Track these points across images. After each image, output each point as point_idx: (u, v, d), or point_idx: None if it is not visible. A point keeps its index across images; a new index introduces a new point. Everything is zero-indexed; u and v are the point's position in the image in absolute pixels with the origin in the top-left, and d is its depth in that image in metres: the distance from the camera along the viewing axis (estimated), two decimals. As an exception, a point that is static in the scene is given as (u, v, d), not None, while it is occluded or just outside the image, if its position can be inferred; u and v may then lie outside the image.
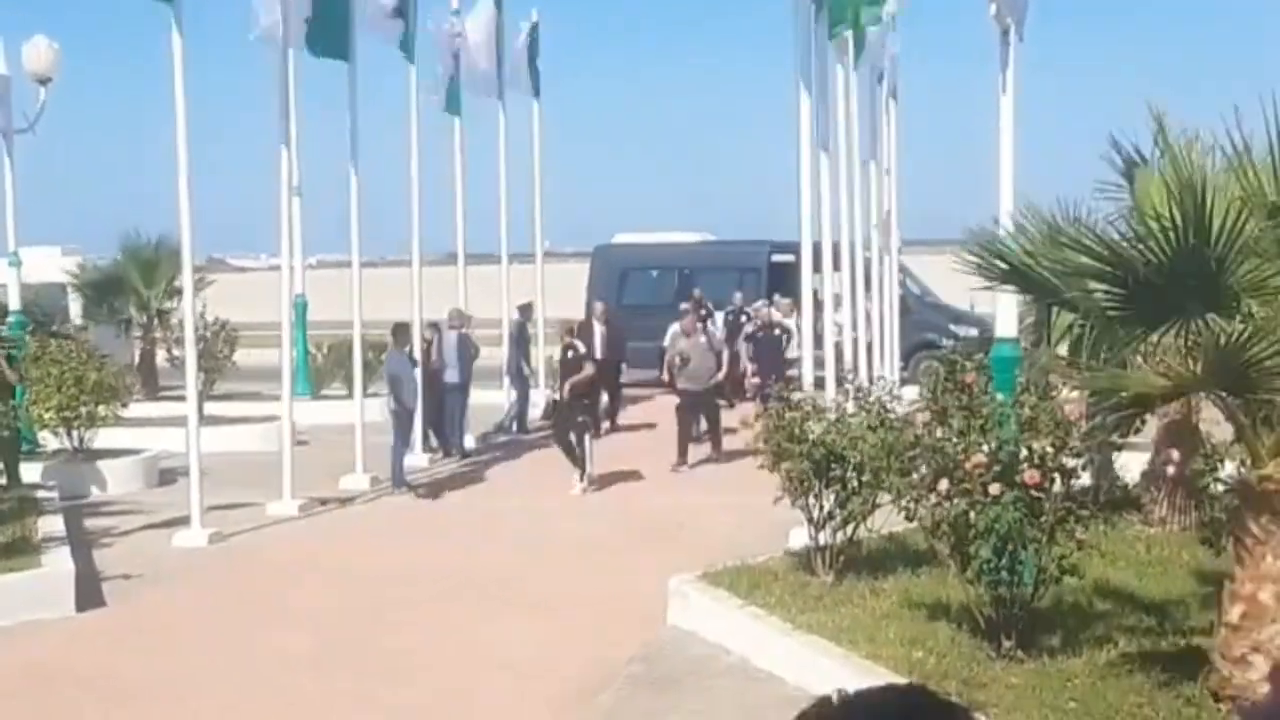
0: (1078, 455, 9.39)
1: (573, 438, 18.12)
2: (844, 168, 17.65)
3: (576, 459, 18.03)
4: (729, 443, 19.57)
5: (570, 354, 18.67)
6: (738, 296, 27.13)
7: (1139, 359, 8.45)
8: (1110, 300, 8.06)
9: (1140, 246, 7.93)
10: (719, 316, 26.00)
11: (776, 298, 24.81)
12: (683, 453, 19.58)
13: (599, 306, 24.00)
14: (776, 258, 27.28)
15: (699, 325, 20.91)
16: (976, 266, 8.51)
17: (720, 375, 20.57)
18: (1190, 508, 12.55)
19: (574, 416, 18.23)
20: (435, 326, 21.26)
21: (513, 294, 24.35)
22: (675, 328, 21.04)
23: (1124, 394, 8.70)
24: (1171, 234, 7.78)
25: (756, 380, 21.78)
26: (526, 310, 24.08)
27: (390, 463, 18.16)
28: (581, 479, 17.92)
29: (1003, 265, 8.49)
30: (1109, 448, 9.26)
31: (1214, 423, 10.65)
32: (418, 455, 19.79)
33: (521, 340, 23.71)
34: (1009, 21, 11.03)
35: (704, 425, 20.37)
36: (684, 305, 22.56)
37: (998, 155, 11.02)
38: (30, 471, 17.41)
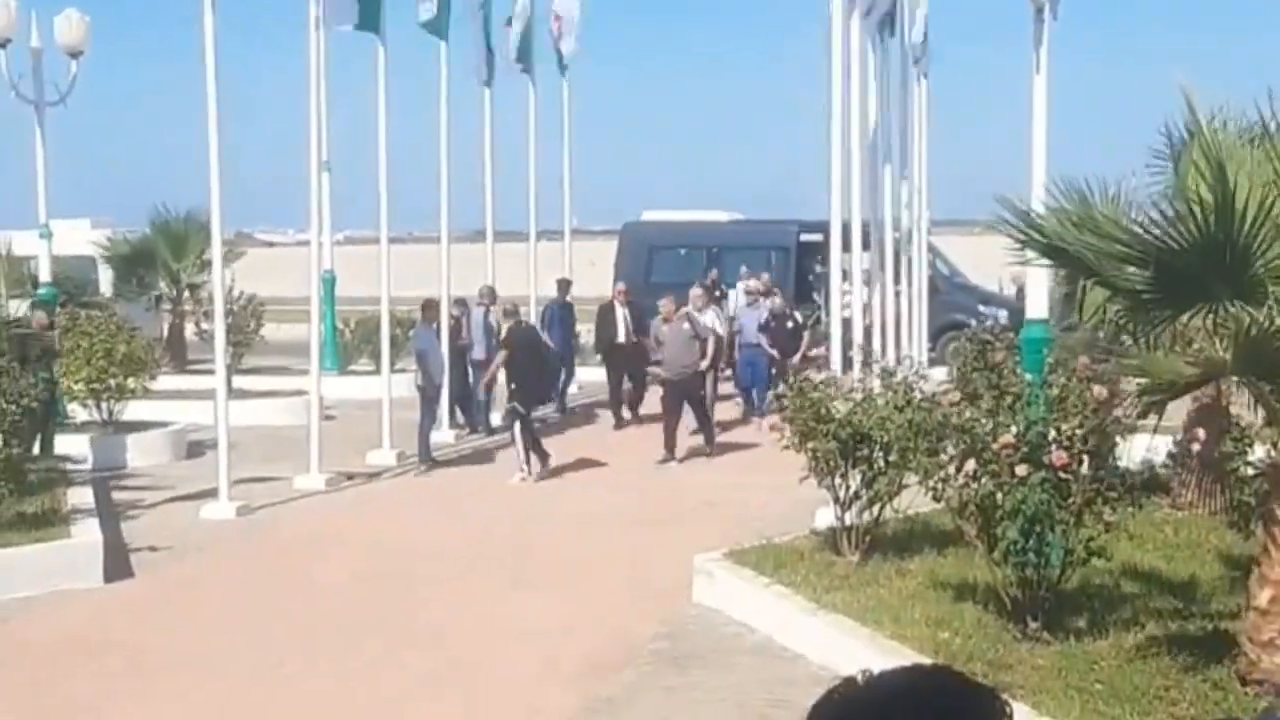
0: (1106, 436, 9.34)
1: (516, 428, 17.33)
2: (874, 147, 17.57)
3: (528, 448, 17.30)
4: (742, 433, 19.63)
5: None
6: (751, 282, 24.70)
7: (1167, 342, 8.42)
8: (1141, 281, 8.01)
9: (1177, 228, 7.87)
10: (733, 295, 24.99)
11: (743, 271, 24.84)
12: (668, 445, 18.49)
13: (619, 288, 23.36)
14: (805, 237, 27.19)
15: (688, 309, 19.57)
16: (1014, 239, 8.45)
17: (704, 364, 19.09)
18: (1218, 491, 12.49)
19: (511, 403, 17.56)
20: (463, 303, 21.28)
21: (541, 271, 24.33)
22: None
23: (1154, 379, 8.66)
24: (1201, 216, 7.72)
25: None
26: (565, 287, 23.96)
27: (417, 438, 18.20)
28: (523, 468, 17.13)
29: (1040, 238, 8.43)
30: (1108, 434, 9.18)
31: (1245, 405, 10.59)
32: (444, 431, 19.82)
33: (566, 318, 23.59)
34: (1042, 1, 10.95)
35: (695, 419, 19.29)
36: (695, 289, 21.53)
37: (1030, 135, 10.96)
38: (60, 443, 17.51)
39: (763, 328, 22.47)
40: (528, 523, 14.80)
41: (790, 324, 22.35)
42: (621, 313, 22.16)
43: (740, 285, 24.84)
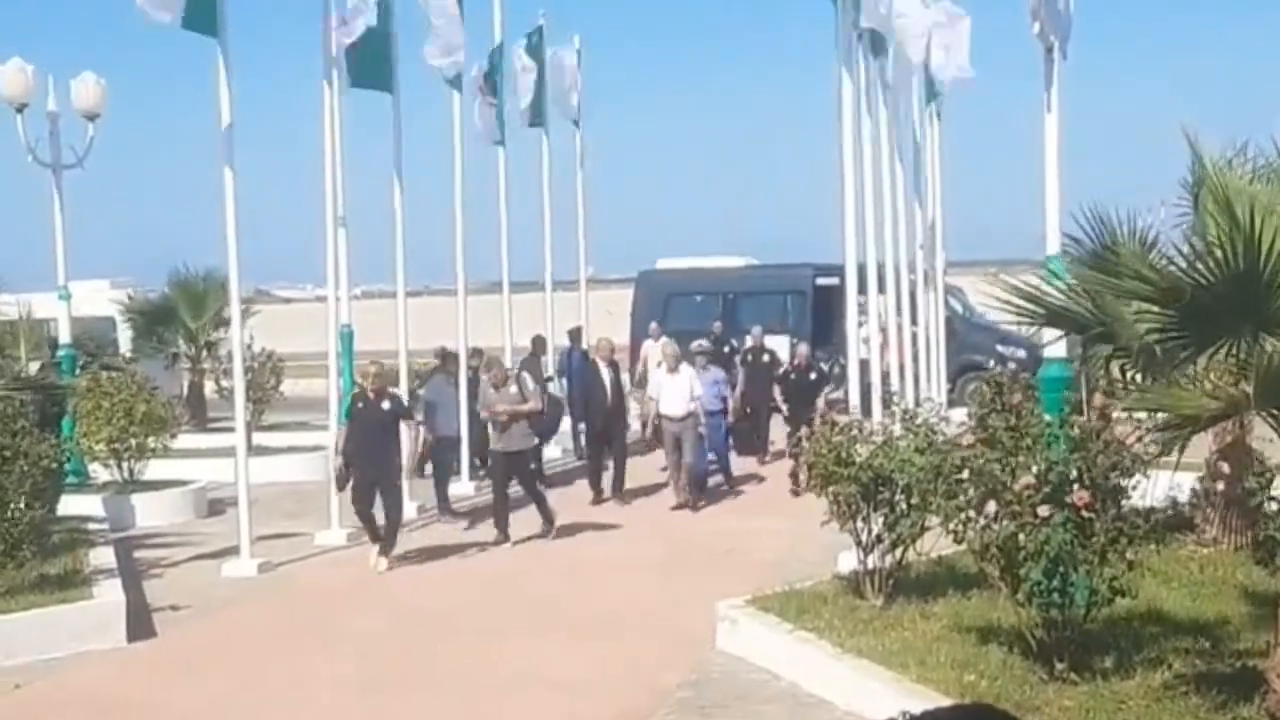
0: (1129, 475, 9.29)
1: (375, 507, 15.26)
2: (888, 189, 17.62)
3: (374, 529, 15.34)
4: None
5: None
6: (757, 330, 24.37)
7: (1185, 380, 8.36)
8: (1159, 324, 7.99)
9: (1198, 266, 7.86)
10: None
11: (755, 330, 24.23)
12: (499, 525, 16.37)
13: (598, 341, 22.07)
14: (821, 280, 27.21)
15: (515, 374, 17.52)
16: (1016, 311, 8.48)
17: (534, 443, 17.05)
18: (1244, 527, 12.40)
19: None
20: (481, 354, 21.35)
21: (558, 321, 24.38)
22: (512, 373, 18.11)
23: (1174, 414, 8.61)
24: (1220, 253, 7.71)
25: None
26: (577, 335, 23.94)
27: (434, 491, 18.24)
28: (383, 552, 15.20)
29: (1040, 310, 8.47)
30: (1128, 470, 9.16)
31: (1268, 440, 10.52)
32: (465, 484, 19.82)
33: (584, 366, 23.46)
34: (1053, 39, 10.97)
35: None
36: (696, 344, 20.62)
37: (1043, 174, 10.97)
38: (81, 503, 17.55)
39: (780, 379, 22.01)
40: (550, 571, 14.77)
41: (813, 375, 21.41)
42: (607, 373, 19.75)
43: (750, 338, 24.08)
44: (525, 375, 17.75)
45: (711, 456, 19.97)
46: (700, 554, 15.40)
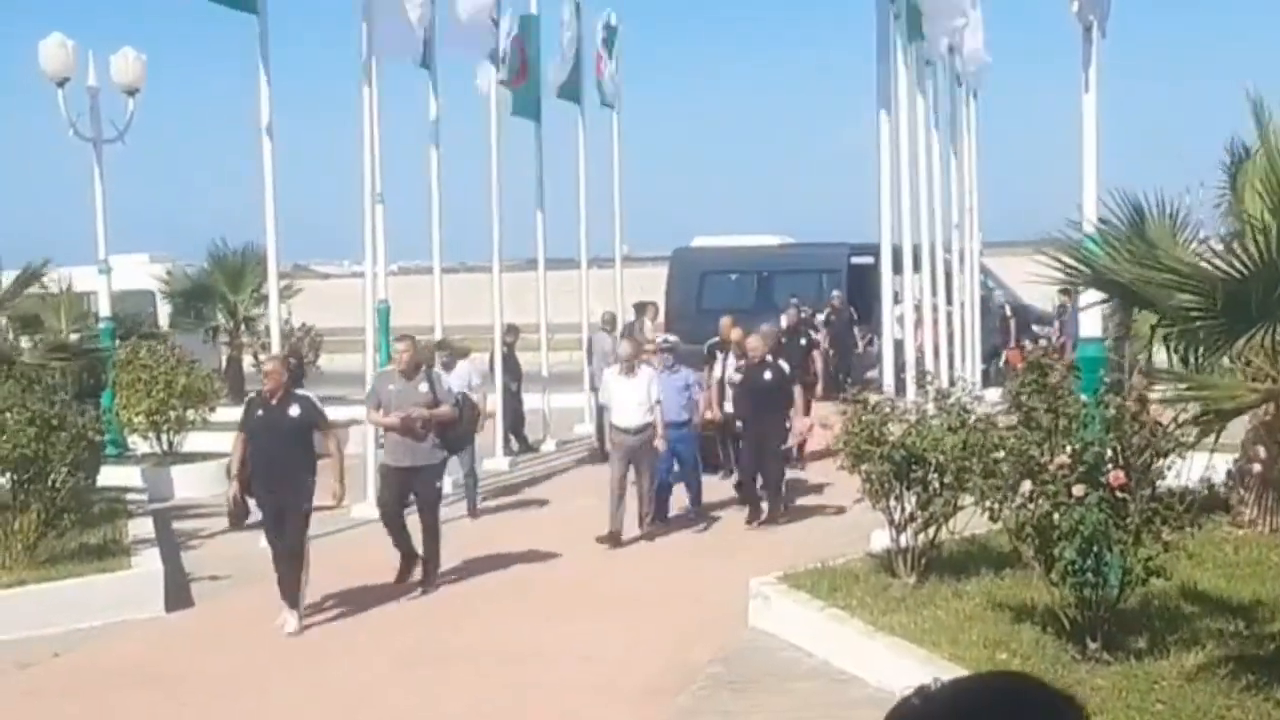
0: (1164, 456, 9.27)
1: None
2: (923, 168, 17.56)
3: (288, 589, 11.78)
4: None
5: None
6: (791, 311, 22.68)
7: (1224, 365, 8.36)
8: (1196, 306, 7.96)
9: (1234, 251, 7.84)
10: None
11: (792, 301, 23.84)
12: (406, 562, 13.22)
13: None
14: (856, 260, 27.15)
15: (428, 369, 13.74)
16: (1061, 271, 8.46)
17: (441, 457, 13.34)
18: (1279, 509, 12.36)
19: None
20: (515, 331, 21.46)
21: (592, 299, 24.40)
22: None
23: (1212, 398, 8.61)
24: (1259, 235, 7.68)
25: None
26: (642, 309, 23.92)
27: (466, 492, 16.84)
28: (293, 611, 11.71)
29: (1086, 270, 8.43)
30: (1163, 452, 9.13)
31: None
32: (499, 459, 19.92)
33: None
34: (1091, 18, 10.90)
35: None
36: (626, 343, 16.72)
37: (1080, 154, 10.91)
38: (120, 474, 17.71)
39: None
40: (582, 548, 14.81)
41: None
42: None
43: (784, 318, 22.41)
44: (440, 372, 14.57)
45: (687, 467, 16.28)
46: (732, 532, 15.34)
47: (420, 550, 13.07)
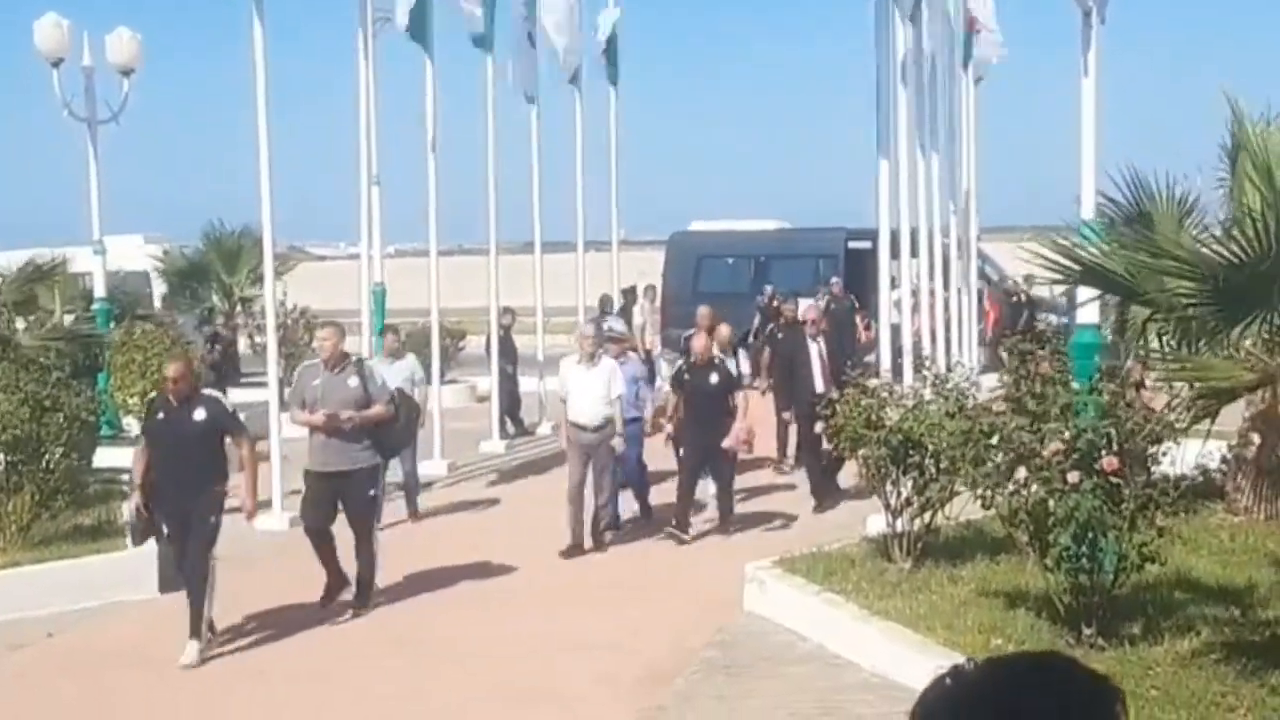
0: (1159, 441, 9.27)
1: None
2: (922, 153, 17.54)
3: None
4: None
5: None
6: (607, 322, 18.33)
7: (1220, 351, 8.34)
8: (1193, 295, 7.95)
9: (1231, 237, 7.83)
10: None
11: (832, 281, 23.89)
12: (333, 585, 11.77)
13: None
14: (853, 244, 27.15)
15: (355, 360, 12.19)
16: (1052, 267, 8.45)
17: (375, 463, 11.69)
18: (1275, 496, 12.37)
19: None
20: (512, 313, 21.44)
21: (589, 282, 24.36)
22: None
23: (1208, 387, 8.60)
24: (1254, 224, 7.66)
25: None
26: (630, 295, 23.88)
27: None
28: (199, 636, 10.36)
29: (1076, 266, 8.43)
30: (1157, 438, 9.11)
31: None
32: (495, 442, 19.91)
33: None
34: (1090, 3, 10.88)
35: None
36: (585, 327, 15.42)
37: (1079, 140, 10.89)
38: (114, 456, 17.67)
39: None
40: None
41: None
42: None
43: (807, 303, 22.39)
44: (372, 365, 12.70)
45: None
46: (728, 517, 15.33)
47: (356, 567, 11.70)
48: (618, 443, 13.80)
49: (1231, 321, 7.90)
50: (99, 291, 20.83)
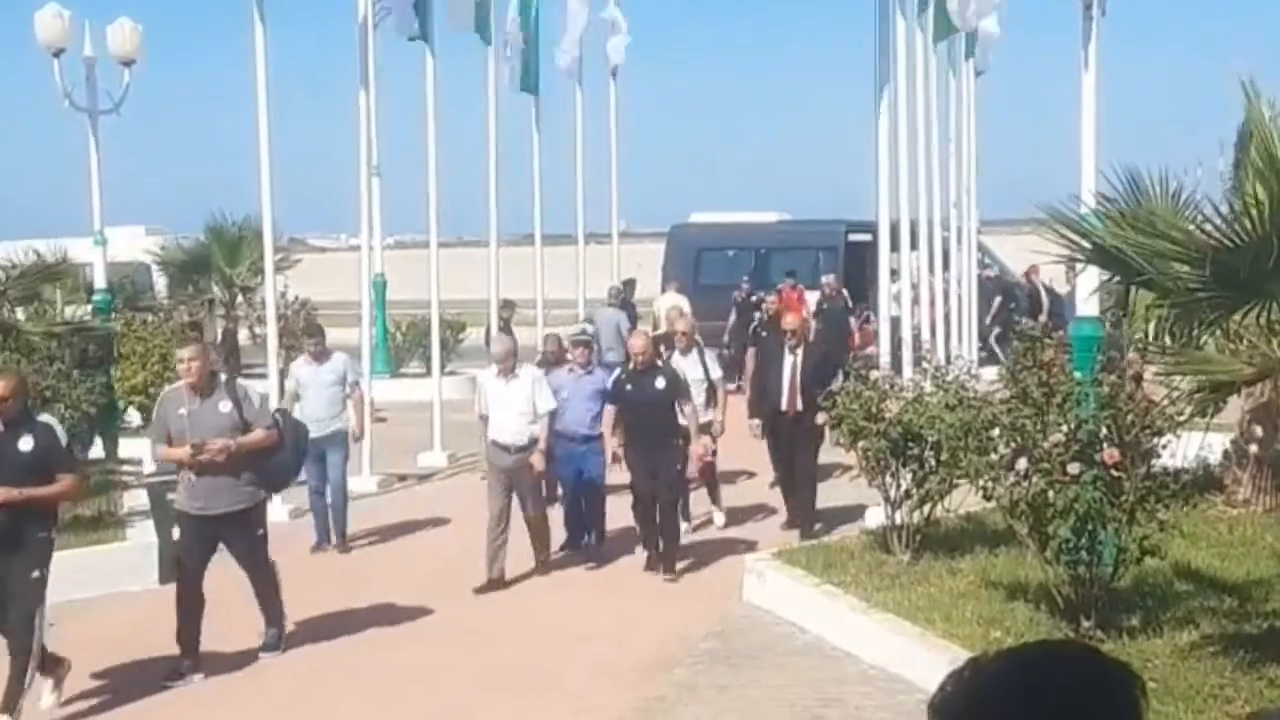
0: (1159, 434, 9.28)
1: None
2: (922, 146, 17.54)
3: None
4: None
5: None
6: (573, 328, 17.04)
7: (1218, 339, 8.33)
8: (1194, 281, 7.95)
9: (1233, 226, 7.82)
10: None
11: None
12: (187, 648, 10.13)
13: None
14: (853, 237, 27.13)
15: (229, 380, 10.36)
16: (1061, 245, 8.43)
17: (260, 499, 10.27)
18: (1275, 489, 12.38)
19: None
20: (512, 306, 21.42)
21: (590, 274, 24.35)
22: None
23: (1208, 376, 8.60)
24: (1256, 212, 7.66)
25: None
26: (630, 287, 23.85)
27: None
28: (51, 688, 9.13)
29: (1086, 244, 8.40)
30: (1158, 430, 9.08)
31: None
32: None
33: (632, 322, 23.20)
34: (1090, -5, 10.87)
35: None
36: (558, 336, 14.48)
37: (1079, 133, 10.89)
38: (124, 447, 17.70)
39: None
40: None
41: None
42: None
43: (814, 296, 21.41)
44: (247, 386, 10.58)
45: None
46: (730, 509, 15.31)
47: (262, 610, 10.44)
48: (537, 459, 12.29)
49: (1231, 308, 7.90)
50: (99, 283, 20.83)
